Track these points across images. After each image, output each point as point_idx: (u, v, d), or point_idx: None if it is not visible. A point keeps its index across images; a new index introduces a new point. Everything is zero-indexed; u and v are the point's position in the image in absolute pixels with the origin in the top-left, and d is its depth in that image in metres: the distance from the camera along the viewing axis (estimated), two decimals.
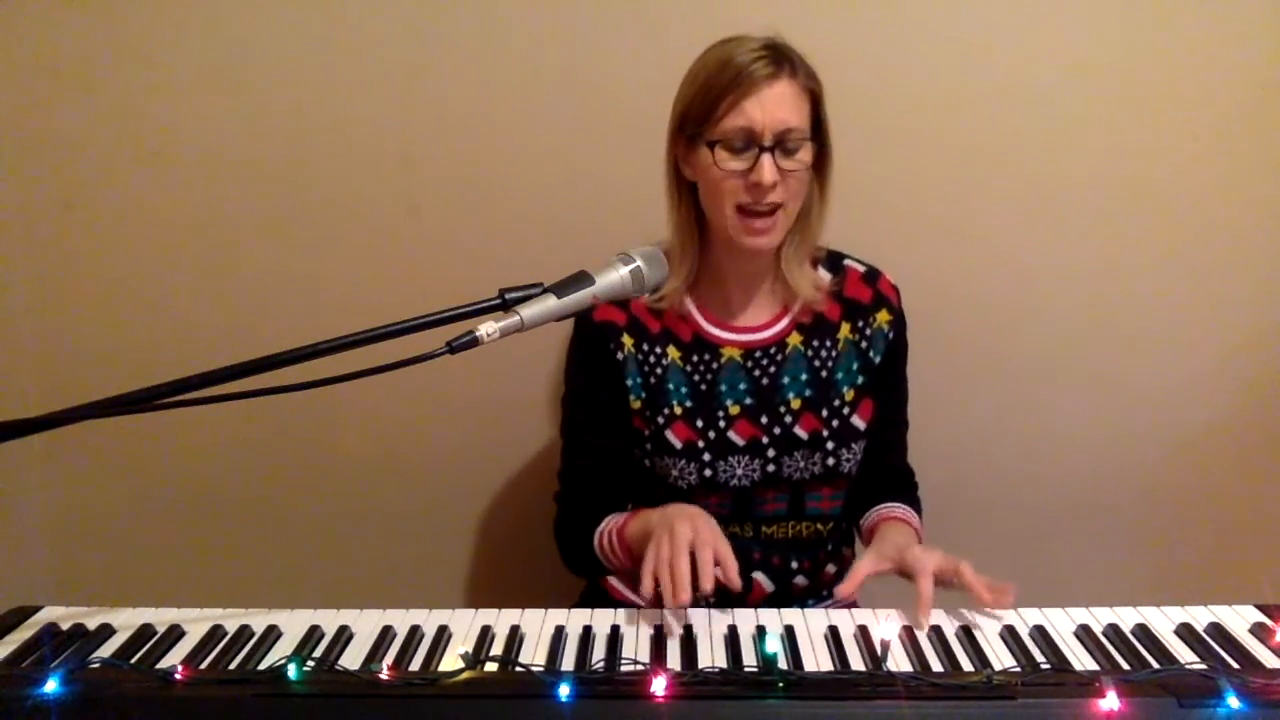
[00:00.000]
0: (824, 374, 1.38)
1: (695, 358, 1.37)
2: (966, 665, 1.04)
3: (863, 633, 1.10)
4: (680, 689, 0.92)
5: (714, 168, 1.23)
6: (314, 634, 1.11)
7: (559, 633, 1.11)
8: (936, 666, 1.03)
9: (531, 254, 1.67)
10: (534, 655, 1.07)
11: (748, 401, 1.37)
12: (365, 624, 1.13)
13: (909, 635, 1.10)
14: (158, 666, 1.02)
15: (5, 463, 1.69)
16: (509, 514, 1.83)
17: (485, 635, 1.10)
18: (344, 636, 1.10)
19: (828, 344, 1.39)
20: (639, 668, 0.98)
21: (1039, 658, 1.04)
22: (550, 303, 1.01)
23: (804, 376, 1.38)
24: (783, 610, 1.16)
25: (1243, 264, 1.69)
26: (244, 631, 1.12)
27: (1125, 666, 1.03)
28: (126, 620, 1.14)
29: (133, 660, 1.05)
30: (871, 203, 1.62)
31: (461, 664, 0.97)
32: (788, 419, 1.37)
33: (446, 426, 1.78)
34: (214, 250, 1.71)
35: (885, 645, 1.05)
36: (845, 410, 1.38)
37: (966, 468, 1.77)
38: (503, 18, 1.61)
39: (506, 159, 1.66)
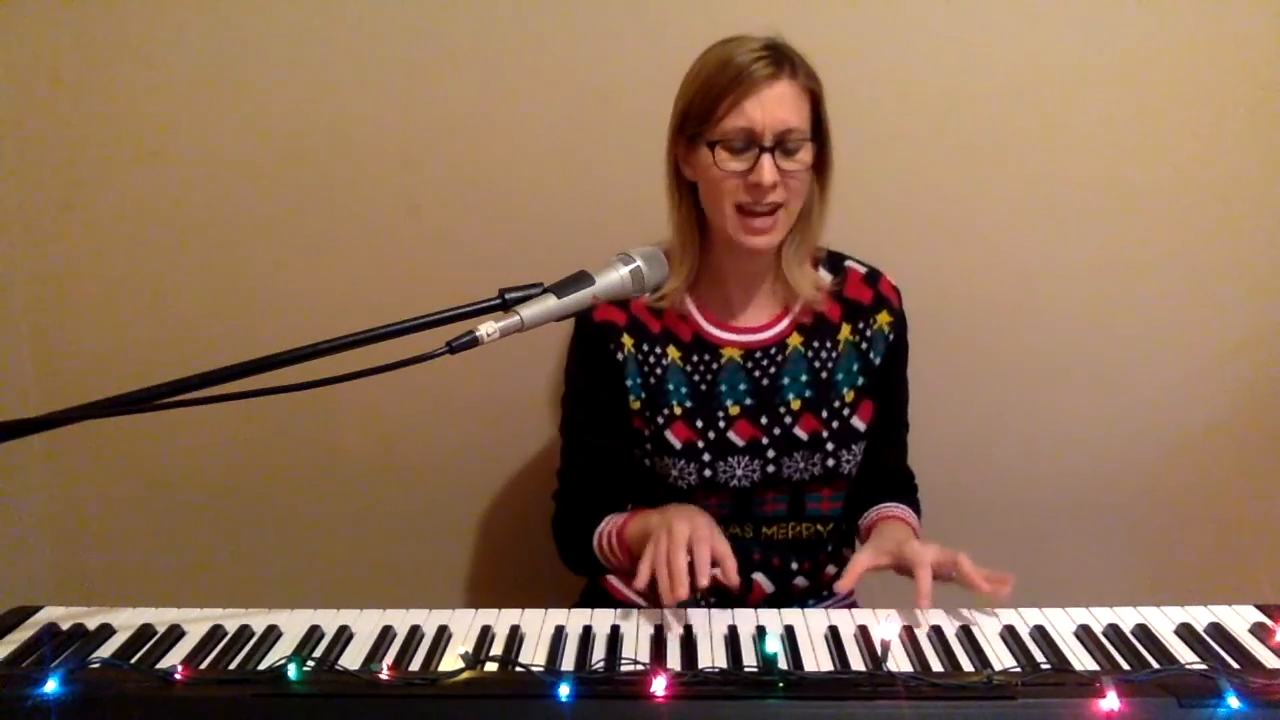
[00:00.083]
0: (824, 375, 1.38)
1: (695, 358, 1.37)
2: (967, 665, 1.04)
3: (863, 633, 1.10)
4: (680, 689, 0.92)
5: (714, 168, 1.23)
6: (314, 634, 1.11)
7: (559, 633, 1.11)
8: (936, 666, 1.03)
9: (531, 254, 1.68)
10: (534, 655, 1.07)
11: (748, 402, 1.36)
12: (365, 624, 1.13)
13: (909, 635, 1.10)
14: (158, 666, 1.02)
15: (5, 463, 1.70)
16: (509, 514, 1.83)
17: (485, 635, 1.10)
18: (344, 636, 1.10)
19: (828, 345, 1.38)
20: (639, 668, 0.98)
21: (1039, 658, 1.04)
22: (550, 303, 1.02)
23: (804, 377, 1.37)
24: (783, 610, 1.16)
25: (1243, 264, 1.69)
26: (244, 631, 1.12)
27: (1125, 666, 1.03)
28: (126, 620, 1.14)
29: (133, 660, 1.05)
30: (871, 203, 1.62)
31: (461, 664, 0.97)
32: (787, 420, 1.36)
33: (446, 426, 1.78)
34: (214, 250, 1.71)
35: (885, 645, 1.05)
36: (845, 411, 1.38)
37: (966, 468, 1.77)
38: (503, 18, 1.61)
39: (506, 159, 1.66)
